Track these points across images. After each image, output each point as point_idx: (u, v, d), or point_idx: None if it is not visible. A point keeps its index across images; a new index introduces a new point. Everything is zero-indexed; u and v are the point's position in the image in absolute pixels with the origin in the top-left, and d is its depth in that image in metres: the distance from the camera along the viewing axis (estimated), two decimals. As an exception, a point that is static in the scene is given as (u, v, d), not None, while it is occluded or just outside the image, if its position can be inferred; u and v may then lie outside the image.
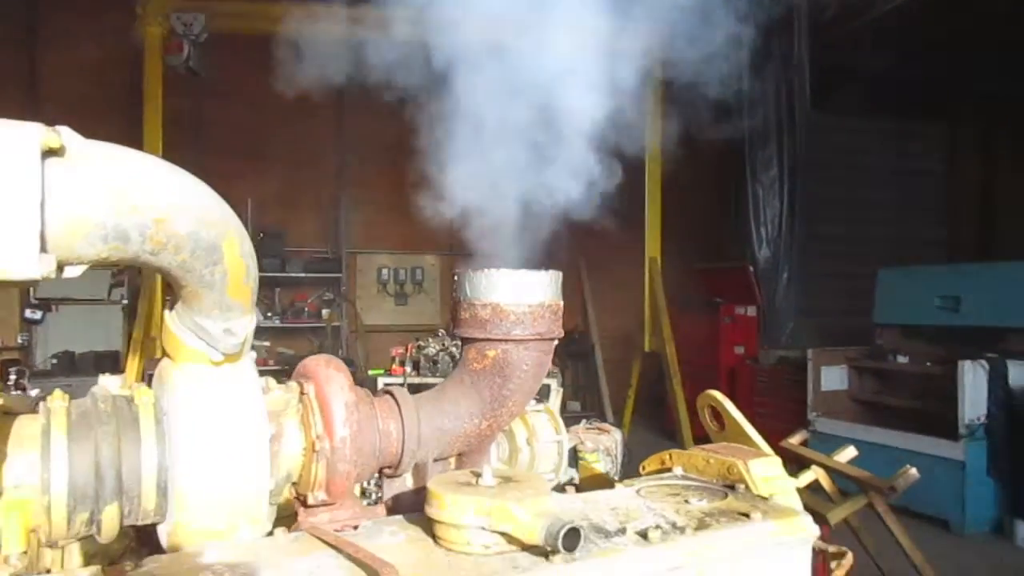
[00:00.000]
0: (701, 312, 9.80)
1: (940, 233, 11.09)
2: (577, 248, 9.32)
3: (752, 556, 1.24)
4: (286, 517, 1.39)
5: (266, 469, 1.22)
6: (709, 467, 1.57)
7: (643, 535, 1.20)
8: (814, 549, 1.41)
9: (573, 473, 1.96)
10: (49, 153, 0.90)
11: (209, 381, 1.23)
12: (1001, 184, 11.11)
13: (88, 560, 1.37)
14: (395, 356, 6.38)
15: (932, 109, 10.23)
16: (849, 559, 1.39)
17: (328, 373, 1.35)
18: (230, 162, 8.93)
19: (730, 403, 1.71)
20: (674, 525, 1.25)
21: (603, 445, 2.15)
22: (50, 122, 0.92)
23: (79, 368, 11.81)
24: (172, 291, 1.20)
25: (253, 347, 1.32)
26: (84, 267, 0.99)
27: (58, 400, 1.19)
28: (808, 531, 1.32)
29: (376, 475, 1.50)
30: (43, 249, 0.91)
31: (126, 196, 0.97)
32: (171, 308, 1.23)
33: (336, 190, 10.54)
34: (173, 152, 6.67)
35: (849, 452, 4.79)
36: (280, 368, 8.49)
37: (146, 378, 1.57)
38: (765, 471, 1.49)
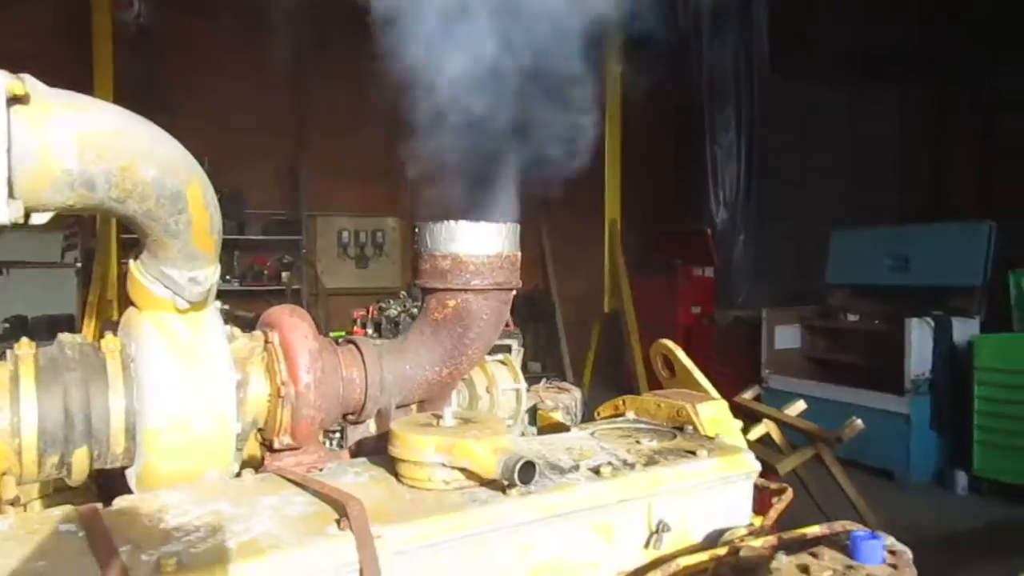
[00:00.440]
0: (660, 274, 9.95)
1: (892, 197, 11.37)
2: (538, 210, 9.37)
3: (697, 489, 1.32)
4: (252, 466, 1.43)
5: (232, 413, 1.26)
6: (660, 411, 1.65)
7: (595, 471, 1.27)
8: (757, 486, 1.50)
9: (533, 430, 2.02)
10: (14, 100, 0.92)
11: (175, 328, 1.26)
12: (953, 149, 11.37)
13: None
14: (356, 318, 6.38)
15: (887, 74, 10.41)
16: (789, 494, 1.48)
17: (292, 322, 1.39)
18: (185, 123, 8.72)
19: (681, 352, 1.79)
20: (625, 462, 1.33)
21: (563, 403, 2.21)
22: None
23: (33, 332, 11.54)
24: (138, 241, 1.22)
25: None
26: (51, 214, 1.01)
27: (25, 347, 1.22)
28: (750, 467, 1.40)
29: (340, 422, 1.55)
30: (11, 195, 0.93)
31: (92, 144, 0.99)
32: (136, 258, 1.26)
33: (295, 152, 10.39)
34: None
35: (799, 406, 4.97)
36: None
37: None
38: (712, 413, 1.58)
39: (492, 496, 1.16)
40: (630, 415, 1.69)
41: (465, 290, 1.48)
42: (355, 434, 1.57)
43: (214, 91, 9.20)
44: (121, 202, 1.06)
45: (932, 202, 11.10)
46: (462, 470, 1.17)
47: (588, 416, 2.36)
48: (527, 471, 1.10)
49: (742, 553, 1.18)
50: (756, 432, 4.85)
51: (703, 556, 1.24)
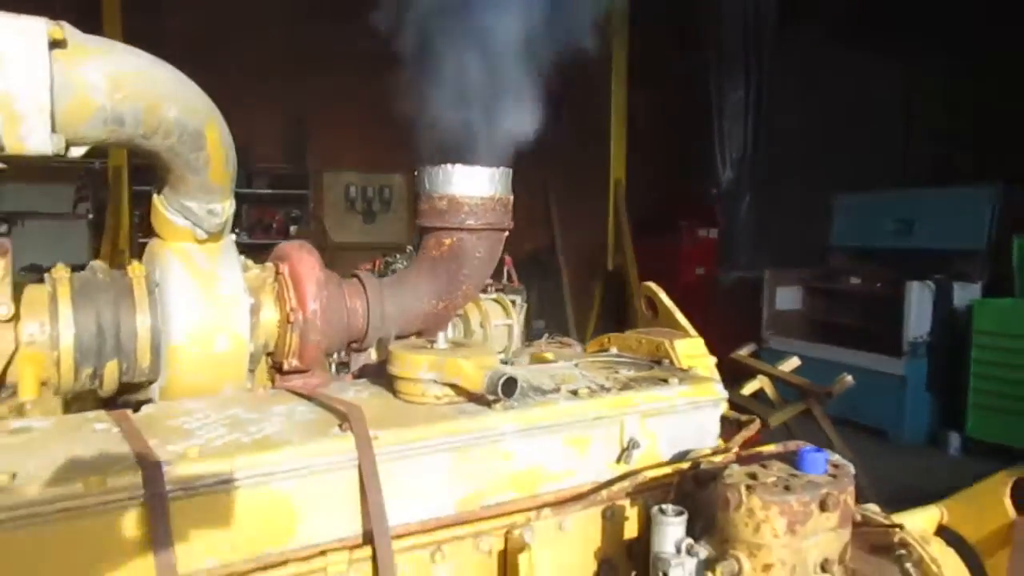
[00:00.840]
0: (664, 234, 10.03)
1: (899, 159, 11.33)
2: (545, 169, 9.42)
3: (667, 412, 1.46)
4: (263, 389, 1.57)
5: (246, 333, 1.40)
6: (641, 346, 1.78)
7: (574, 392, 1.41)
8: (728, 419, 1.63)
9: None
10: (54, 44, 1.04)
11: (195, 257, 1.39)
12: (961, 111, 11.29)
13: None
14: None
15: (896, 35, 10.32)
16: (756, 424, 1.61)
17: (301, 255, 1.52)
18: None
19: (664, 294, 1.91)
20: (602, 387, 1.46)
21: (563, 358, 2.33)
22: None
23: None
24: (148, 193, 1.35)
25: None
26: (86, 147, 1.13)
27: (61, 271, 1.35)
28: (718, 395, 1.54)
29: (344, 350, 1.69)
30: (53, 130, 1.05)
31: (121, 84, 1.11)
32: (159, 192, 1.38)
33: (302, 106, 10.44)
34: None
35: (792, 362, 5.10)
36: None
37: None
38: (688, 349, 1.71)
39: (478, 410, 1.29)
40: (613, 350, 1.82)
41: (460, 229, 1.60)
42: (358, 361, 1.71)
43: (220, 46, 9.24)
44: (147, 138, 1.18)
45: (939, 165, 11.07)
46: (452, 386, 1.31)
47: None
48: (510, 385, 1.24)
49: (702, 466, 1.31)
50: (750, 387, 4.99)
51: (667, 470, 1.39)
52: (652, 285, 1.94)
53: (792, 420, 4.77)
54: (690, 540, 1.17)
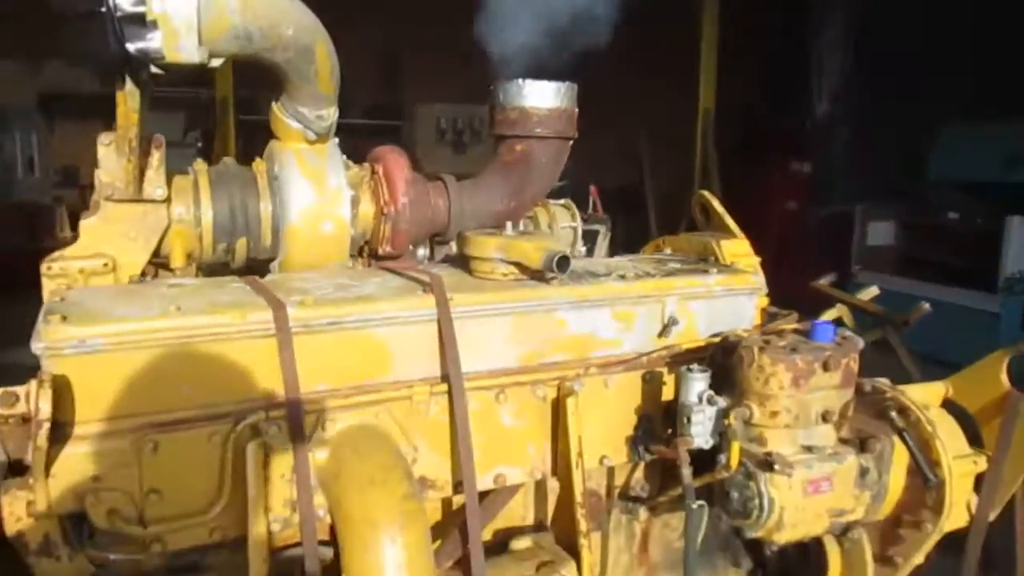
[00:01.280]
0: (754, 167, 9.89)
1: (1011, 91, 10.67)
2: (635, 103, 9.41)
3: (705, 296, 1.66)
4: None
5: (348, 219, 1.67)
6: (691, 246, 1.98)
7: (622, 276, 1.63)
8: (769, 312, 1.82)
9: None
10: (200, -28, 1.30)
11: (306, 155, 1.67)
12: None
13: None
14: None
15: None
16: (794, 316, 1.78)
17: (394, 156, 1.78)
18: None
19: (716, 200, 2.08)
20: (647, 273, 1.68)
21: None
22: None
23: (161, 205, 12.61)
24: (279, 87, 1.61)
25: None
26: (222, 60, 1.40)
27: (200, 164, 1.65)
28: (755, 285, 1.73)
29: (428, 243, 1.95)
30: (200, 43, 1.32)
31: (251, 6, 1.37)
32: (277, 99, 1.65)
33: (396, 40, 10.68)
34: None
35: (871, 291, 5.12)
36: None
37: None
38: (733, 248, 1.89)
39: (538, 285, 1.53)
40: (667, 250, 2.03)
41: (530, 137, 1.82)
42: (440, 253, 1.97)
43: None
44: (270, 51, 1.44)
45: None
46: (516, 265, 1.55)
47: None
48: (564, 262, 1.47)
49: (729, 339, 1.52)
50: (828, 316, 5.06)
51: (702, 343, 1.60)
52: (706, 193, 2.11)
53: (868, 346, 4.83)
54: (711, 392, 1.39)
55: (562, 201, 2.16)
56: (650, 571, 1.75)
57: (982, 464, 1.41)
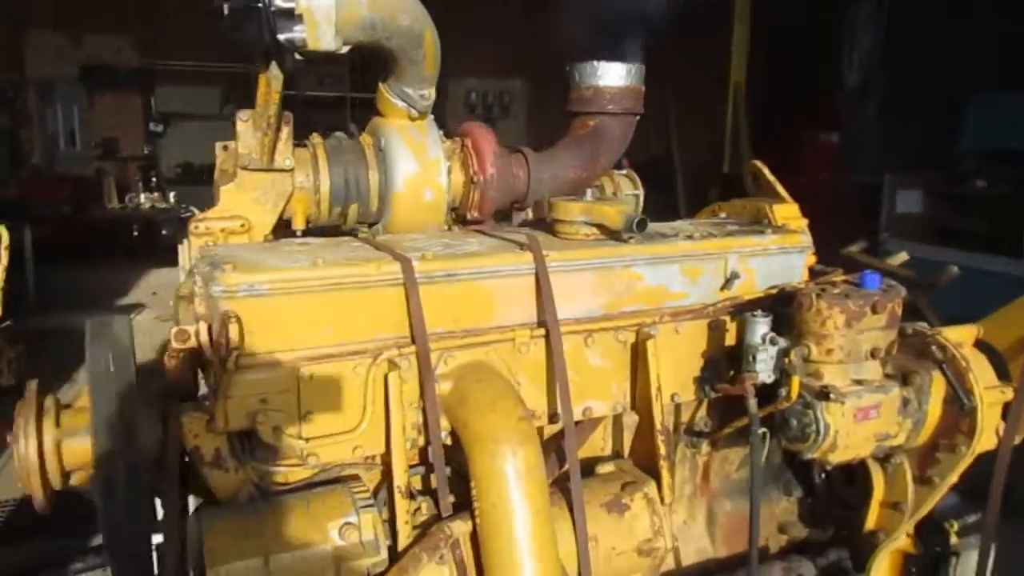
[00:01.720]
0: (784, 138, 9.98)
1: None
2: (664, 75, 9.50)
3: (762, 254, 1.87)
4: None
5: (445, 187, 1.90)
6: (745, 211, 2.18)
7: (689, 236, 1.85)
8: (815, 269, 2.03)
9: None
10: (336, -28, 1.51)
11: (409, 130, 1.89)
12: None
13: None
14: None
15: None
16: (840, 273, 1.98)
17: (482, 131, 1.99)
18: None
19: (767, 169, 2.28)
20: (710, 233, 1.89)
21: None
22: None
23: (198, 177, 12.97)
24: (387, 69, 1.83)
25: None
26: (349, 47, 1.62)
27: (317, 137, 1.88)
28: (804, 244, 1.94)
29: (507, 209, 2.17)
30: (336, 33, 1.54)
31: (375, 1, 1.58)
32: (384, 81, 1.87)
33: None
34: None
35: (900, 256, 5.28)
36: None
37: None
38: (783, 211, 2.09)
39: (617, 244, 1.75)
40: (722, 215, 2.23)
41: (602, 113, 2.02)
42: (518, 218, 2.19)
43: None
44: (388, 40, 1.66)
45: None
46: (598, 226, 1.76)
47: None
48: (642, 223, 1.68)
49: (786, 290, 1.74)
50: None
51: (760, 294, 1.82)
52: (757, 162, 2.31)
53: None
54: (773, 334, 1.60)
55: (624, 171, 2.37)
56: (711, 499, 1.98)
57: (1009, 394, 1.62)
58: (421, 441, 1.54)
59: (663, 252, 1.77)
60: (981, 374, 1.64)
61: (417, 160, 1.87)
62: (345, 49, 1.62)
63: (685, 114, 10.67)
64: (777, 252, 1.90)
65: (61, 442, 1.44)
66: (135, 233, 9.40)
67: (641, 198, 2.36)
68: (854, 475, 1.86)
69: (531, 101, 11.76)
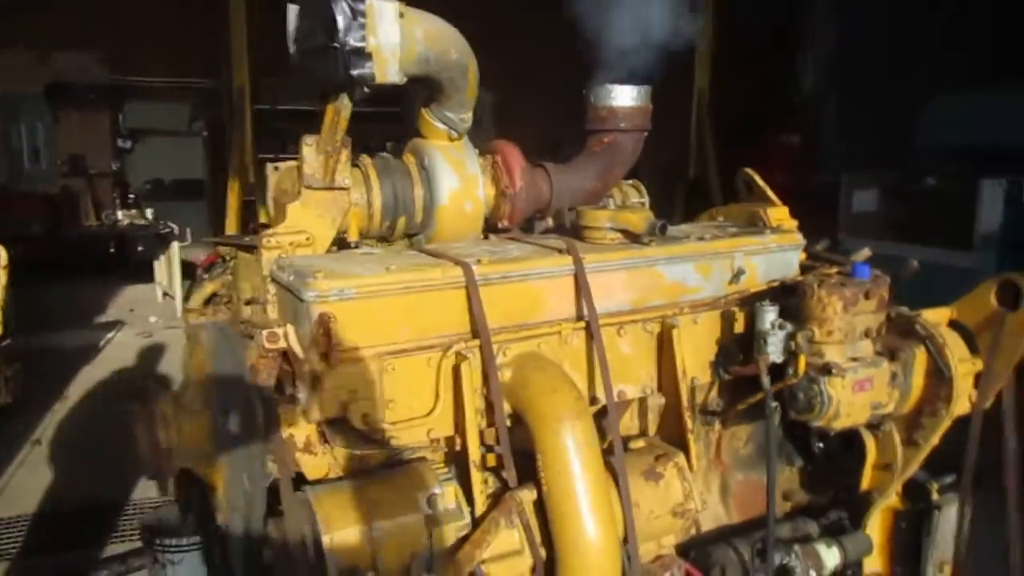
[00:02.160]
0: (746, 141, 10.38)
1: (992, 56, 10.91)
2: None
3: (762, 252, 2.13)
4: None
5: (482, 201, 2.12)
6: (742, 214, 2.44)
7: (701, 237, 2.10)
8: (803, 264, 2.29)
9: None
10: (400, 15, 1.74)
11: (450, 149, 2.11)
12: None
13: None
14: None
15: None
16: (833, 269, 2.24)
17: (511, 149, 2.22)
18: None
19: (758, 176, 2.55)
20: (717, 235, 2.14)
21: None
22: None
23: (168, 193, 12.95)
24: (431, 96, 2.04)
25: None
26: (407, 78, 1.83)
27: (366, 158, 2.09)
28: (798, 241, 2.20)
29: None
30: (399, 68, 1.76)
31: (431, 37, 1.81)
32: (426, 106, 2.09)
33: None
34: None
35: (863, 253, 5.63)
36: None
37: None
38: (776, 214, 2.36)
39: (640, 247, 1.99)
40: (720, 219, 2.50)
41: (616, 130, 2.27)
42: (539, 226, 2.43)
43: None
44: (438, 73, 1.88)
45: None
46: (622, 231, 2.01)
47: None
48: (664, 228, 1.93)
49: (786, 282, 2.00)
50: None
51: (763, 286, 2.08)
52: (749, 170, 2.57)
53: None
54: (781, 320, 1.86)
55: (631, 181, 2.62)
56: (724, 471, 2.23)
57: (979, 365, 1.90)
58: (483, 424, 1.77)
59: (680, 252, 2.02)
60: (956, 349, 1.92)
61: (458, 176, 2.09)
62: (402, 80, 1.84)
63: (652, 119, 11.01)
64: (776, 250, 2.17)
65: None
66: (111, 250, 9.41)
67: (647, 204, 2.61)
68: (849, 443, 2.12)
69: (498, 112, 12.00)
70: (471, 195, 2.10)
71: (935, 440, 1.94)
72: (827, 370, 1.80)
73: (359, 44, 1.70)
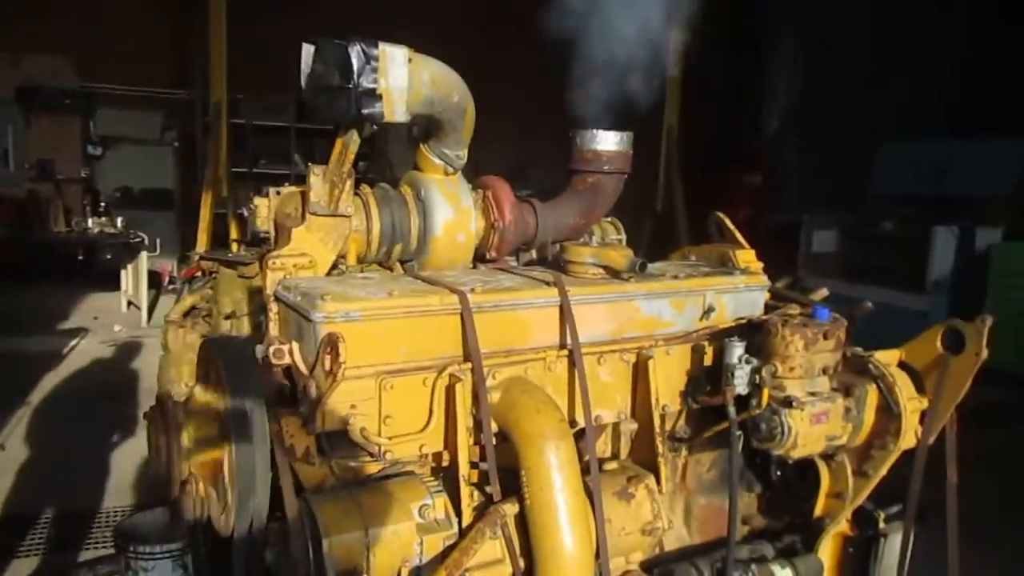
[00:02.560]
0: (712, 179, 10.72)
1: (948, 105, 11.32)
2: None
3: (731, 291, 2.30)
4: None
5: (474, 232, 2.26)
6: (712, 254, 2.61)
7: (675, 276, 2.26)
8: (768, 303, 2.47)
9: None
10: (408, 60, 1.88)
11: (445, 183, 2.25)
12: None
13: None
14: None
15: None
16: (796, 308, 2.42)
17: (501, 184, 2.37)
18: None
19: (728, 220, 2.73)
20: (690, 274, 2.31)
21: None
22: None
23: (138, 202, 12.87)
24: (430, 133, 2.19)
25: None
26: (410, 116, 1.97)
27: (366, 188, 2.22)
28: (764, 282, 2.38)
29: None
30: (406, 109, 1.90)
31: (435, 81, 1.96)
32: (424, 142, 2.23)
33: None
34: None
35: (821, 292, 5.87)
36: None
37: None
38: (744, 256, 2.53)
39: (620, 282, 2.15)
40: (692, 257, 2.67)
41: (599, 172, 2.43)
42: (524, 258, 2.57)
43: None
44: (440, 113, 2.03)
45: (989, 111, 11.03)
46: (604, 267, 2.16)
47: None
48: (644, 266, 2.09)
49: (752, 320, 2.17)
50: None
51: (731, 323, 2.24)
52: (720, 214, 2.75)
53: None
54: (747, 355, 2.02)
55: (609, 219, 2.78)
56: (688, 495, 2.38)
57: (925, 403, 2.08)
58: (471, 441, 1.89)
59: (657, 289, 2.17)
60: (905, 388, 2.10)
61: (453, 209, 2.23)
62: (409, 119, 1.98)
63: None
64: (744, 289, 2.34)
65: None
66: (80, 257, 9.35)
67: (624, 240, 2.78)
68: (804, 472, 2.29)
69: (474, 141, 12.20)
70: (464, 227, 2.25)
71: (883, 471, 2.11)
72: (788, 403, 1.96)
73: (371, 86, 1.84)
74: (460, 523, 1.79)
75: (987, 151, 8.41)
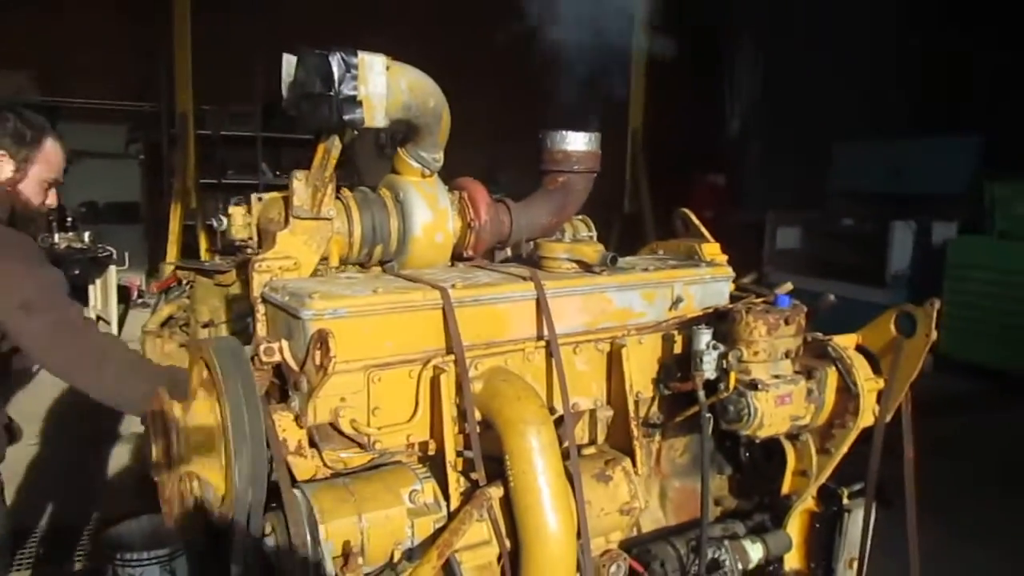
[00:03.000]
0: (677, 179, 10.91)
1: (905, 102, 11.61)
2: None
3: (699, 282, 2.42)
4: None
5: (451, 233, 2.35)
6: (680, 249, 2.73)
7: (645, 269, 2.37)
8: (733, 294, 2.59)
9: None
10: (387, 67, 1.97)
11: (422, 185, 2.34)
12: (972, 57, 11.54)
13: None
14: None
15: None
16: (758, 298, 2.55)
17: (476, 185, 2.47)
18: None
19: (694, 216, 2.85)
20: (659, 267, 2.42)
21: None
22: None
23: (103, 216, 12.75)
24: (407, 137, 2.27)
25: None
26: (389, 121, 2.06)
27: (347, 192, 2.30)
28: (729, 273, 2.50)
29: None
30: (385, 115, 1.99)
31: (413, 87, 2.05)
32: (402, 146, 2.31)
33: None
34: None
35: (786, 286, 6.05)
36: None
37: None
38: (710, 249, 2.65)
39: (592, 276, 2.25)
40: (660, 252, 2.79)
41: (569, 172, 2.53)
42: (499, 255, 2.67)
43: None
44: (417, 118, 2.12)
45: (944, 109, 11.32)
46: (577, 262, 2.26)
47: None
48: (615, 260, 2.20)
49: (719, 309, 2.29)
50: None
51: (699, 312, 2.36)
52: (686, 210, 2.88)
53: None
54: (714, 341, 2.14)
55: (580, 216, 2.89)
56: (663, 479, 2.49)
57: (881, 384, 2.21)
58: (456, 429, 1.98)
59: (627, 281, 2.28)
60: (862, 370, 2.23)
61: (431, 210, 2.32)
62: (388, 124, 2.07)
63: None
64: (710, 280, 2.46)
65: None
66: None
67: (595, 237, 2.88)
68: (771, 454, 2.41)
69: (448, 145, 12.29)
70: (442, 227, 2.34)
71: (844, 448, 2.24)
72: (754, 385, 2.08)
73: (351, 93, 1.92)
74: (448, 507, 1.88)
75: (942, 148, 8.68)
